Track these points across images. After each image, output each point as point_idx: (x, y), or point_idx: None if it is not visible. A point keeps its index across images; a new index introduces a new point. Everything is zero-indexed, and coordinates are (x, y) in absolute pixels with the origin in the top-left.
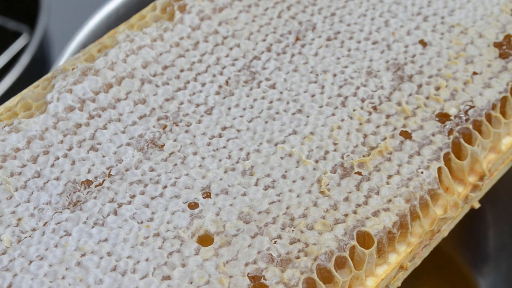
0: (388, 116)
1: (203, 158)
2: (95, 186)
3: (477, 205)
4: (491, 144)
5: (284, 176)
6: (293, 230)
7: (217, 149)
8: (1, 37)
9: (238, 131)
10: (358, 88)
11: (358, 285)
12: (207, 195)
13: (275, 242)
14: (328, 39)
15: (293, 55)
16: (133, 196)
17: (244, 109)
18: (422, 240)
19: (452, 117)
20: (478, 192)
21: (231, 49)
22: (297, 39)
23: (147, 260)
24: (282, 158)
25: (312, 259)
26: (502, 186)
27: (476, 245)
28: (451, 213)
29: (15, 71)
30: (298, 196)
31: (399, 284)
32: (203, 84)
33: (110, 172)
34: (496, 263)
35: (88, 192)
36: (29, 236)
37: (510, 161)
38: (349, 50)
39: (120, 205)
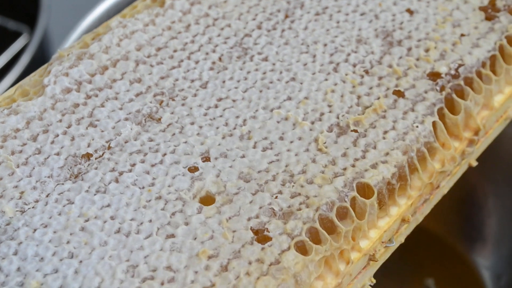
0: (380, 78)
1: (200, 127)
2: (96, 158)
3: (474, 163)
4: (483, 100)
5: (281, 138)
6: (293, 185)
7: (214, 118)
8: (1, 37)
9: (234, 101)
10: (349, 54)
11: (361, 236)
12: (206, 159)
13: (276, 197)
14: (317, 14)
15: (283, 30)
16: (133, 165)
17: (238, 81)
18: (422, 194)
19: (443, 75)
20: (474, 148)
21: (222, 29)
22: (286, 16)
23: (150, 221)
24: (278, 122)
25: (314, 210)
26: (502, 172)
27: (476, 231)
28: (449, 167)
29: (15, 71)
30: (296, 154)
31: (403, 240)
32: (197, 62)
33: (109, 144)
34: (496, 248)
35: (88, 164)
36: (33, 207)
37: (504, 120)
38: (338, 22)
39: (121, 173)
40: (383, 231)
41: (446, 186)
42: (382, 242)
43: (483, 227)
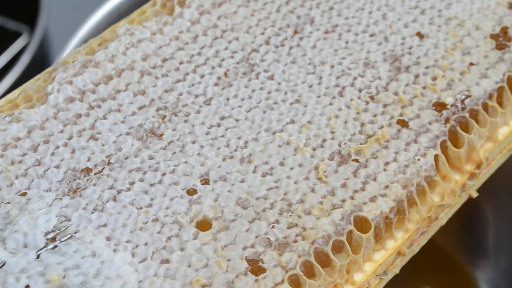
0: (385, 106)
1: (201, 146)
2: (95, 174)
3: (474, 194)
4: (487, 133)
5: (282, 164)
6: (290, 215)
7: (216, 138)
8: (1, 37)
9: (237, 120)
10: (355, 78)
11: (356, 269)
12: (206, 181)
13: (272, 227)
14: (326, 32)
15: (291, 47)
16: (132, 183)
17: (243, 99)
18: (420, 227)
19: (448, 106)
20: (475, 181)
21: (230, 42)
22: (295, 32)
23: (146, 244)
24: (280, 146)
25: (310, 243)
26: (501, 184)
27: (476, 243)
28: (449, 200)
29: (15, 71)
30: (295, 182)
31: (397, 271)
32: (202, 76)
33: (109, 160)
34: (495, 260)
35: (87, 179)
36: None
37: (508, 151)
38: (347, 42)
39: (119, 192)
40: (379, 265)
41: (444, 217)
42: (377, 275)
43: (483, 239)
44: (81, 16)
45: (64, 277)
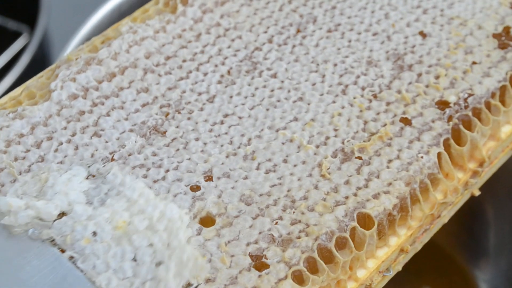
0: (388, 104)
1: (205, 143)
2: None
3: (477, 193)
4: (490, 131)
5: (285, 161)
6: (294, 212)
7: (219, 135)
8: (1, 37)
9: (240, 118)
10: (358, 77)
11: (358, 266)
12: (209, 178)
13: (276, 223)
14: (329, 31)
15: (294, 46)
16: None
17: (246, 97)
18: (423, 224)
19: (451, 105)
20: (478, 179)
21: (233, 40)
22: (298, 31)
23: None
24: (283, 143)
25: (313, 239)
26: (501, 184)
27: (476, 243)
28: (451, 198)
29: (15, 71)
30: (299, 179)
31: (400, 268)
32: (205, 74)
33: (113, 156)
34: (495, 261)
35: None
36: None
37: (510, 149)
38: (350, 41)
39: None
40: (381, 261)
41: (447, 215)
42: (380, 271)
43: (483, 239)
44: (81, 16)
45: (129, 224)
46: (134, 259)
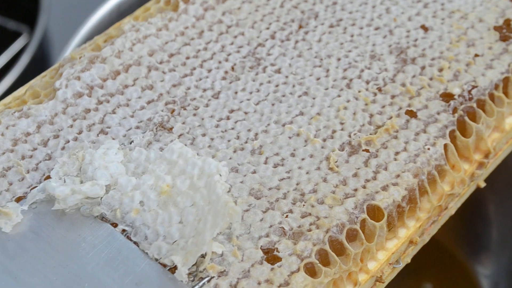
0: (393, 97)
1: (212, 139)
2: None
3: (482, 184)
4: (495, 122)
5: (293, 155)
6: (304, 205)
7: (226, 131)
8: (1, 37)
9: (246, 113)
10: (362, 70)
11: (369, 258)
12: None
13: (286, 216)
14: (331, 26)
15: (297, 41)
16: None
17: (251, 92)
18: (431, 216)
19: (456, 97)
20: (483, 170)
21: (235, 37)
22: (300, 27)
23: None
24: (290, 137)
25: (324, 231)
26: (502, 179)
27: (477, 239)
28: (458, 190)
29: (15, 71)
30: (307, 173)
31: (409, 260)
32: (209, 70)
33: None
34: (496, 257)
35: None
36: None
37: None
38: (352, 35)
39: None
40: (391, 253)
41: (454, 207)
42: (390, 263)
43: (484, 235)
44: (81, 16)
45: (172, 187)
46: (180, 222)
